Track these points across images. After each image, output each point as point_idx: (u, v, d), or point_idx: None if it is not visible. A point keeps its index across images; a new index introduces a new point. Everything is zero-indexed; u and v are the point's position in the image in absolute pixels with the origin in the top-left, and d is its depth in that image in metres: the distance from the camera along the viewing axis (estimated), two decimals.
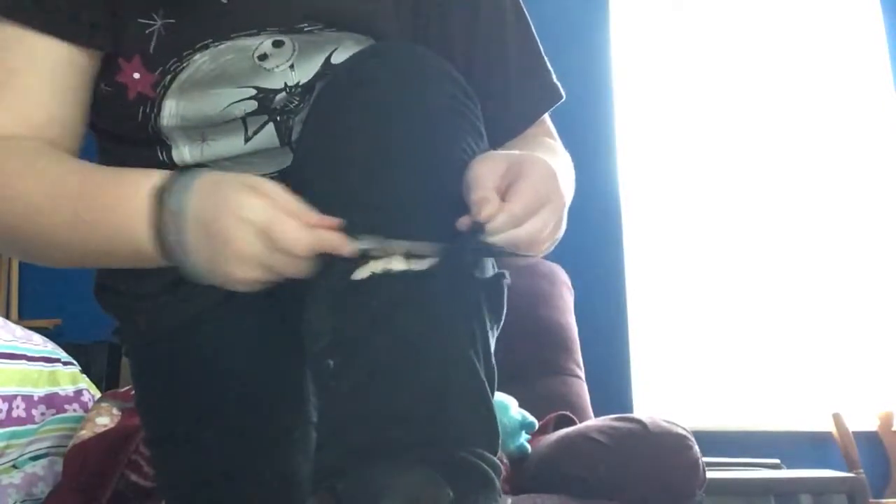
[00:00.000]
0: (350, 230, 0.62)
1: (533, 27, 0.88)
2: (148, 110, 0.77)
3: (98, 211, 0.67)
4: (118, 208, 0.66)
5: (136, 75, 0.76)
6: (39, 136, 0.73)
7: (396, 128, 0.66)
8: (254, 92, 0.79)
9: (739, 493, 1.89)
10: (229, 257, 0.62)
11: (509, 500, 0.62)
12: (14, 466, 1.33)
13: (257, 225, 0.61)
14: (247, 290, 0.65)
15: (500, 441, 0.63)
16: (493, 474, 0.60)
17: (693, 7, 2.87)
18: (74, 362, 1.59)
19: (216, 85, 0.78)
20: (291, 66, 0.79)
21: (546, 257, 1.71)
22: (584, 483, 1.14)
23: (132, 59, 0.76)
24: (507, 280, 0.67)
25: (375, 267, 0.62)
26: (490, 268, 0.68)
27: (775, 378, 2.53)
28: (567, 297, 1.86)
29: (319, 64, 0.80)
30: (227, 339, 0.82)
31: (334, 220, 0.62)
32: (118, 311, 0.89)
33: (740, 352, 2.56)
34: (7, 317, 2.14)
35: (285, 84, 0.80)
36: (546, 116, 0.90)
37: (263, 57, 0.78)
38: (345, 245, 0.61)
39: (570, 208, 0.73)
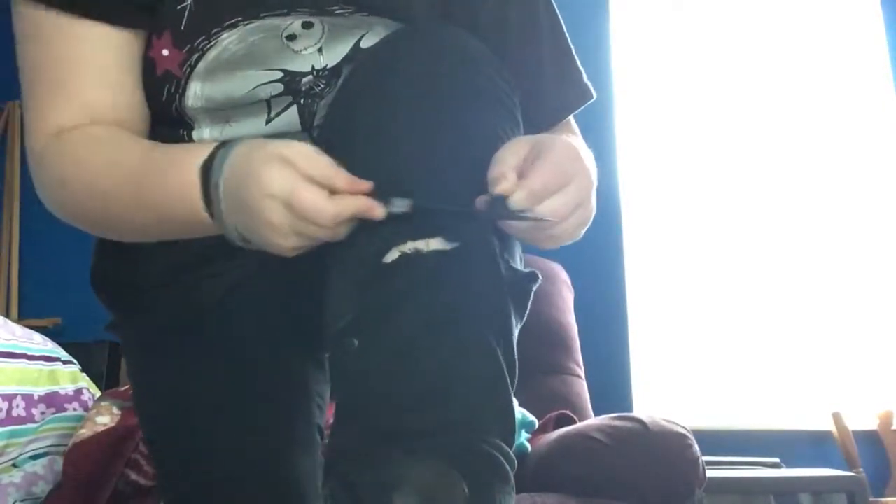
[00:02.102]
0: (380, 194, 0.61)
1: (564, 27, 0.87)
2: (173, 90, 0.78)
3: (158, 192, 0.69)
4: (174, 188, 0.68)
5: (165, 52, 0.76)
6: (105, 122, 0.74)
7: (430, 108, 0.65)
8: (280, 75, 0.79)
9: (739, 492, 1.90)
10: (263, 227, 0.63)
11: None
12: (14, 465, 1.32)
13: (280, 198, 0.61)
14: (290, 254, 0.65)
15: (515, 432, 0.61)
16: (507, 466, 0.59)
17: (693, 7, 2.87)
18: (74, 361, 1.59)
19: (243, 66, 0.77)
20: (320, 50, 0.79)
21: (546, 257, 1.72)
22: (584, 482, 1.14)
23: (162, 36, 0.76)
24: (538, 282, 0.65)
25: (405, 248, 0.61)
26: (520, 263, 0.67)
27: (775, 377, 2.53)
28: (567, 297, 1.86)
29: (348, 48, 0.79)
30: (230, 336, 0.81)
31: (365, 184, 0.62)
32: (116, 304, 0.89)
33: (740, 351, 2.56)
34: (7, 316, 2.14)
35: (313, 67, 0.79)
36: (571, 118, 0.89)
37: (292, 37, 0.77)
38: (374, 208, 0.61)
39: None
